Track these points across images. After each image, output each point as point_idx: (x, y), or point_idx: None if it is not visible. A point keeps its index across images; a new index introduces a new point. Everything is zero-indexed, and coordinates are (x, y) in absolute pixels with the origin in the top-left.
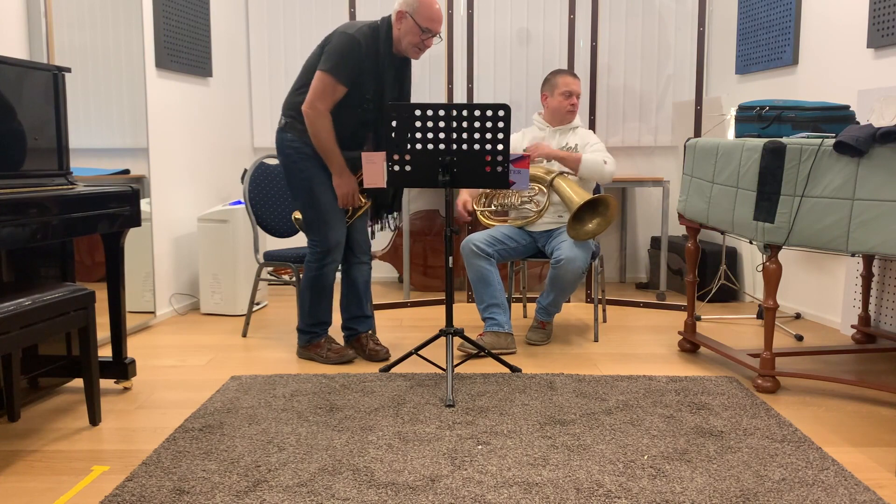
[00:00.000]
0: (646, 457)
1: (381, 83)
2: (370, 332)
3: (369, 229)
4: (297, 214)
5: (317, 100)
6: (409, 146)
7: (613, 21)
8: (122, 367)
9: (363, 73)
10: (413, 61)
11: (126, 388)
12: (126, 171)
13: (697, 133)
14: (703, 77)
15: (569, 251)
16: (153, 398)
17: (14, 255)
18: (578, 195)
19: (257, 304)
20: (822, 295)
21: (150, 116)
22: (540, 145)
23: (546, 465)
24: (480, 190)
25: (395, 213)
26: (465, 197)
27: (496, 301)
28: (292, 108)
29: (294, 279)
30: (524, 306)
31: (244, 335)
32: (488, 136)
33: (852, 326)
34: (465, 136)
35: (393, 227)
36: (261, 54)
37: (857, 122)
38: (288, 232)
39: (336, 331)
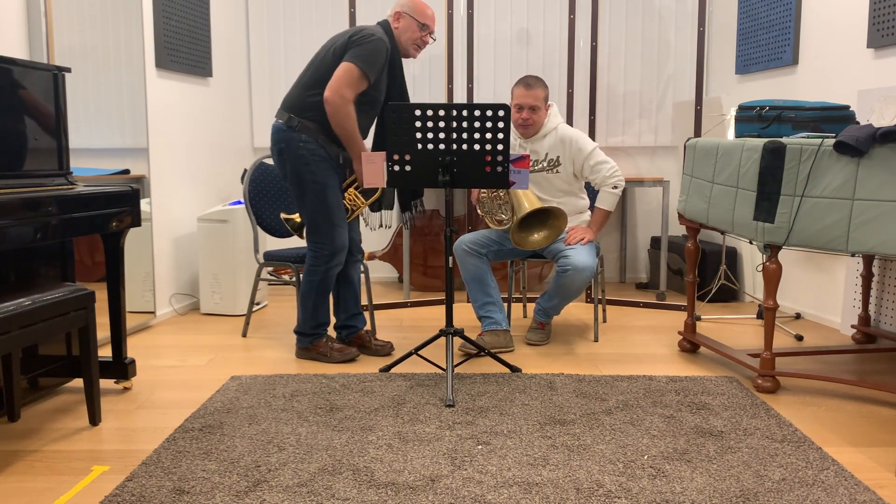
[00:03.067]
0: (646, 457)
1: (395, 84)
2: (368, 328)
3: (405, 218)
4: (287, 215)
5: (344, 87)
6: (409, 146)
7: (613, 21)
8: (122, 367)
9: (381, 73)
10: (409, 63)
11: (126, 388)
12: (126, 171)
13: (697, 133)
14: (703, 77)
15: (576, 260)
16: (153, 398)
17: (14, 255)
18: (529, 202)
19: (257, 304)
20: (822, 295)
21: (150, 116)
22: (583, 234)
23: (546, 465)
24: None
25: (419, 200)
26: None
27: (491, 299)
28: (308, 109)
29: (294, 279)
30: (524, 306)
31: (244, 335)
32: (488, 136)
33: (852, 326)
34: (465, 136)
35: (419, 212)
36: (261, 54)
37: (857, 122)
38: (288, 232)
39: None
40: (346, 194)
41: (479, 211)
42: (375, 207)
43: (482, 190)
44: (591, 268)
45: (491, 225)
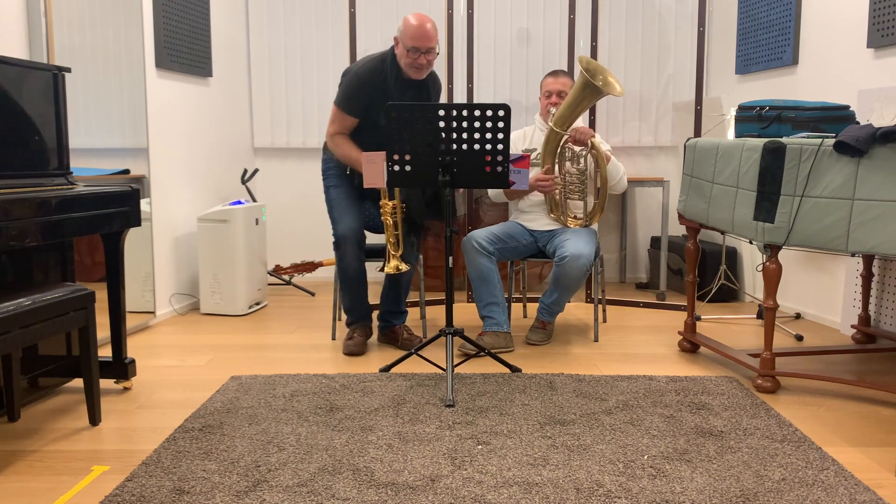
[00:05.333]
0: (646, 457)
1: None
2: (364, 325)
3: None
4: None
5: (329, 125)
6: (409, 146)
7: (613, 21)
8: (122, 367)
9: (372, 102)
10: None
11: (126, 388)
12: (126, 171)
13: (697, 133)
14: (703, 77)
15: (573, 248)
16: (153, 398)
17: (14, 255)
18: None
19: (257, 304)
20: (822, 295)
21: (150, 116)
22: (586, 130)
23: (546, 465)
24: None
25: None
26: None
27: (495, 300)
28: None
29: (291, 279)
30: (524, 306)
31: (333, 338)
32: (488, 136)
33: (852, 326)
34: (465, 136)
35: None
36: (261, 54)
37: (857, 122)
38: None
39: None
40: (386, 210)
41: (553, 215)
42: (412, 229)
43: (556, 190)
44: (589, 255)
45: (570, 223)
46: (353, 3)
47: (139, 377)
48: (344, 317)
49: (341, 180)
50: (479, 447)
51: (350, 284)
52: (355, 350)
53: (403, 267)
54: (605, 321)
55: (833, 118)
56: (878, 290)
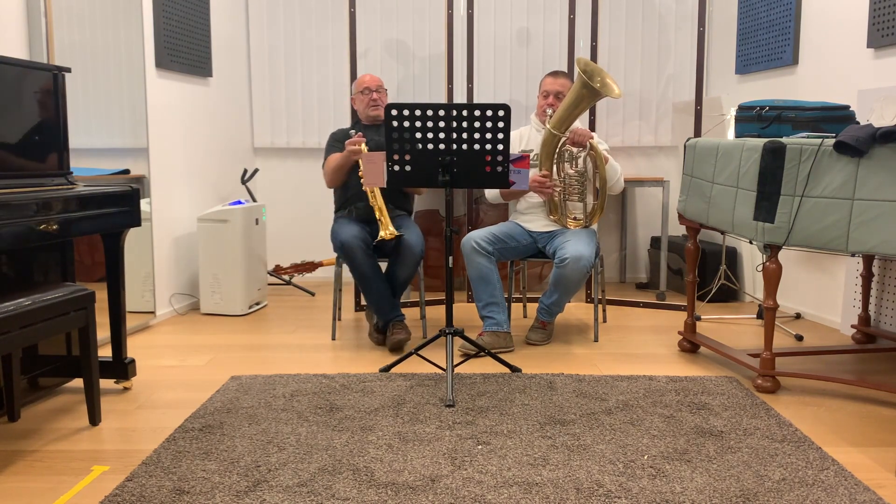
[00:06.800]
0: (646, 457)
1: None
2: (399, 321)
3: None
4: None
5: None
6: (409, 146)
7: (613, 21)
8: (122, 367)
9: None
10: (409, 62)
11: (126, 388)
12: (126, 171)
13: (697, 133)
14: (703, 77)
15: (573, 250)
16: (153, 398)
17: (14, 255)
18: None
19: (257, 304)
20: (822, 295)
21: (150, 116)
22: (584, 131)
23: (546, 465)
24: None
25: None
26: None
27: (495, 300)
28: None
29: (291, 279)
30: (524, 306)
31: (333, 338)
32: (488, 136)
33: (852, 326)
34: (465, 136)
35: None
36: (261, 54)
37: (857, 122)
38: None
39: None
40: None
41: (553, 217)
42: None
43: (554, 191)
44: (589, 257)
45: (569, 225)
46: (353, 3)
47: (139, 377)
48: (344, 317)
49: (346, 219)
50: (479, 447)
51: (369, 284)
52: (403, 339)
53: (390, 231)
54: (605, 321)
55: (833, 118)
56: (878, 290)
